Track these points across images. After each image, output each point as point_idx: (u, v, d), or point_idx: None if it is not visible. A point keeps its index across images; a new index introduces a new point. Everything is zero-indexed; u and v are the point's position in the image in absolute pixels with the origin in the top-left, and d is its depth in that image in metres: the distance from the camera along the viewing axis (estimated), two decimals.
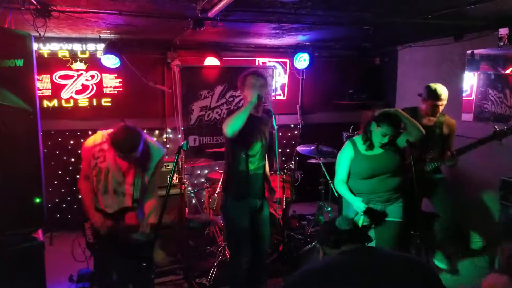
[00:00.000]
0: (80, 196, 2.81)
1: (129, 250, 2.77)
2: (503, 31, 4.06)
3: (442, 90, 3.62)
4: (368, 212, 2.37)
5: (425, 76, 5.51)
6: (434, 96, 3.60)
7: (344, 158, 3.12)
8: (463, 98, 4.82)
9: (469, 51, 4.75)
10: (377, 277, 1.59)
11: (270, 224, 3.31)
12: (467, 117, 4.77)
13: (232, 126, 2.82)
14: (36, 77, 2.45)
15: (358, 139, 3.13)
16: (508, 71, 4.57)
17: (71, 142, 5.31)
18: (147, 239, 2.63)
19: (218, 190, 4.16)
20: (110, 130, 2.74)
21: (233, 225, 3.13)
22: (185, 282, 3.84)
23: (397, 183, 3.04)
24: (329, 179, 4.69)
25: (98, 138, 2.76)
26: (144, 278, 2.99)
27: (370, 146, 3.02)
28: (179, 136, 5.22)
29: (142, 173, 2.76)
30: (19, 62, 2.35)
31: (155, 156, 2.85)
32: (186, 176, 5.45)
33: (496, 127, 3.42)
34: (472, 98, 4.76)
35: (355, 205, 3.01)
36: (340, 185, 3.14)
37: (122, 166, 2.73)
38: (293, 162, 4.73)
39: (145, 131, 2.90)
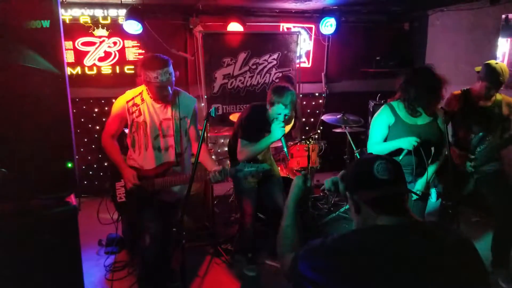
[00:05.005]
0: (106, 152, 2.78)
1: (160, 214, 2.77)
2: None
3: (503, 71, 3.03)
4: None
5: (457, 42, 5.28)
6: (490, 77, 3.05)
7: (381, 123, 2.81)
8: None
9: (504, 16, 4.49)
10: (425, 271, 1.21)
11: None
12: None
13: (247, 157, 2.95)
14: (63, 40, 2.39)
15: (396, 104, 2.81)
16: None
17: (96, 110, 5.32)
18: (221, 179, 2.70)
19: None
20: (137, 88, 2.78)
21: (240, 187, 3.29)
22: (211, 247, 3.89)
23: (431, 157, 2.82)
24: (355, 149, 4.60)
25: (128, 95, 2.77)
26: (174, 243, 3.01)
27: (415, 112, 2.74)
28: (202, 104, 5.16)
29: (175, 125, 2.75)
30: (46, 23, 2.27)
31: (187, 100, 2.84)
32: (210, 145, 5.44)
33: None
34: None
35: (406, 143, 2.64)
36: (376, 146, 2.83)
37: (157, 119, 2.73)
38: (319, 131, 4.62)
39: None
